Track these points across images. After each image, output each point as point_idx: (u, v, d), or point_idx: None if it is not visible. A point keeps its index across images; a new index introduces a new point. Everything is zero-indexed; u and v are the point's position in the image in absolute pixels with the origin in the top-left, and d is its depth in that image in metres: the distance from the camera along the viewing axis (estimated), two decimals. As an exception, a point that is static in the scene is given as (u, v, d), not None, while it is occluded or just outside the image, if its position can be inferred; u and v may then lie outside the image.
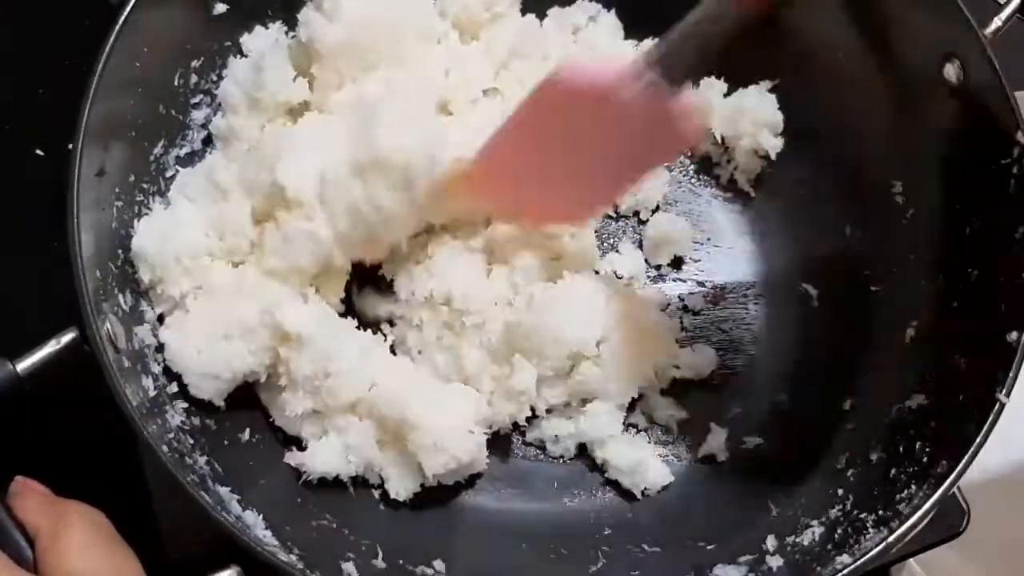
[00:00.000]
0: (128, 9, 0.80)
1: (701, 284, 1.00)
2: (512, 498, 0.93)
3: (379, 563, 0.84)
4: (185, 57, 0.89)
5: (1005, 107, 0.82)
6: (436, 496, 0.90)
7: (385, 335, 0.92)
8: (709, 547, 0.88)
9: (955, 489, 0.77)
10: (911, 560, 0.82)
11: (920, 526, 0.75)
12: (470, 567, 0.87)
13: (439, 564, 0.86)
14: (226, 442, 0.86)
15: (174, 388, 0.84)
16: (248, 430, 0.88)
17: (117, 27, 0.80)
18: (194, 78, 0.90)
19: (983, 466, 0.76)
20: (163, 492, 0.89)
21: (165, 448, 0.74)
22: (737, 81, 1.00)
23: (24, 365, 0.74)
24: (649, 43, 0.92)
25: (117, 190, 0.83)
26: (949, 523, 0.78)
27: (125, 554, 0.70)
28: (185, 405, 0.84)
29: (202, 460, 0.81)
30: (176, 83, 0.89)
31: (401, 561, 0.85)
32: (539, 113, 0.79)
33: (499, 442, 0.93)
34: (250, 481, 0.84)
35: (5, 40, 1.07)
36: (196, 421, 0.84)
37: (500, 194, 0.87)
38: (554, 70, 0.77)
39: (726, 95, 1.00)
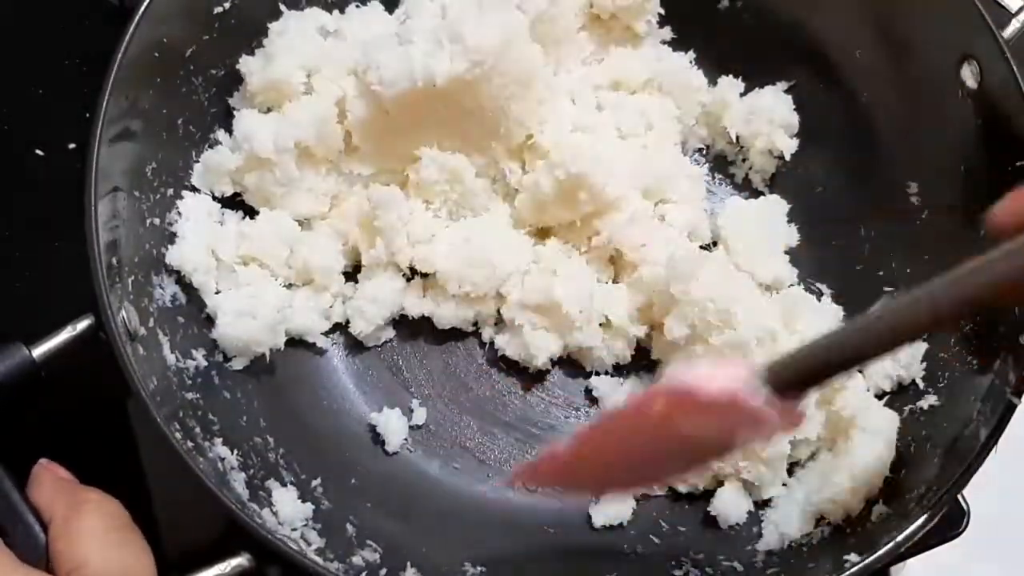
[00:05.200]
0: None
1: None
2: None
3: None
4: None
5: (1021, 109, 0.81)
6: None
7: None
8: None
9: (956, 489, 0.77)
10: (911, 560, 0.81)
11: (929, 526, 0.75)
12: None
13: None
14: (239, 430, 0.86)
15: (189, 376, 0.84)
16: (261, 419, 0.88)
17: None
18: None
19: (983, 466, 0.76)
20: (164, 478, 0.90)
21: (179, 435, 0.74)
22: (754, 81, 1.00)
23: (40, 351, 0.74)
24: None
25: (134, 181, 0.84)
26: (949, 523, 0.78)
27: (138, 545, 0.70)
28: (199, 394, 0.84)
29: (215, 448, 0.81)
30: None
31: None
32: (647, 417, 0.70)
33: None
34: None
35: (5, 40, 1.06)
36: (210, 407, 0.84)
37: (579, 476, 0.78)
38: (678, 379, 0.68)
39: (742, 95, 1.00)
